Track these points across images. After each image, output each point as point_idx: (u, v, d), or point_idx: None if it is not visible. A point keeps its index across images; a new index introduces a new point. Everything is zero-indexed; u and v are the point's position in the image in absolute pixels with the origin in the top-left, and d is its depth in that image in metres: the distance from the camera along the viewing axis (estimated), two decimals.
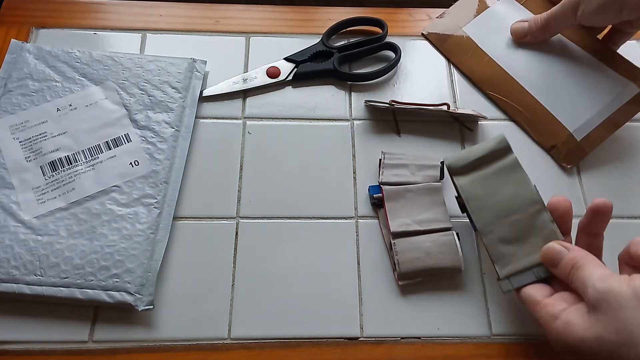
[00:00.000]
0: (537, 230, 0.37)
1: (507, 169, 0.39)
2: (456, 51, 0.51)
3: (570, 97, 0.47)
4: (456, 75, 0.51)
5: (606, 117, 0.46)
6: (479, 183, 0.39)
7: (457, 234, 0.41)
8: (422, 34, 0.53)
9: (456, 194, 0.40)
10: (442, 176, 0.43)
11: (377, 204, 0.43)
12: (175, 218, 0.42)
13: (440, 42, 0.52)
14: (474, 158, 0.40)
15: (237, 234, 0.42)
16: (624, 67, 0.48)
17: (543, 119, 0.47)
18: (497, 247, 0.38)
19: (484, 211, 0.38)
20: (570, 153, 0.46)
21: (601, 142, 0.46)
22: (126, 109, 0.46)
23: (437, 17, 0.54)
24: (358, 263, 0.42)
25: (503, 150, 0.40)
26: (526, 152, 0.47)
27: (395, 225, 0.41)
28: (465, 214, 0.40)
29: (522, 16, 0.51)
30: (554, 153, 0.46)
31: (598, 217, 0.36)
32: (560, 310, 0.33)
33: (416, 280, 0.40)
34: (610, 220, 0.44)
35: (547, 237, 0.37)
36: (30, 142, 0.44)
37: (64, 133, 0.44)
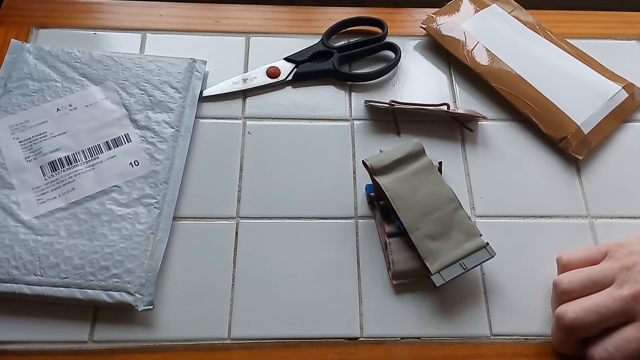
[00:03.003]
0: (458, 225, 0.40)
1: (424, 169, 0.42)
2: (456, 45, 0.51)
3: (572, 95, 0.48)
4: (456, 75, 0.51)
5: (607, 114, 0.48)
6: (400, 183, 0.41)
7: None
8: (422, 26, 0.52)
9: (378, 200, 0.42)
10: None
11: (373, 203, 0.43)
12: (175, 218, 0.42)
13: (440, 36, 0.52)
14: (393, 159, 0.42)
15: (237, 234, 0.42)
16: (607, 73, 0.50)
17: (551, 113, 0.47)
18: (425, 243, 0.39)
19: (409, 209, 0.40)
20: (579, 145, 0.46)
21: (606, 135, 0.48)
22: (126, 109, 0.46)
23: (433, 14, 0.53)
24: (358, 263, 0.42)
25: (418, 153, 0.42)
26: (527, 153, 0.47)
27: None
28: (386, 220, 0.41)
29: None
30: (565, 145, 0.46)
31: None
32: None
33: (410, 280, 0.41)
34: (611, 220, 0.44)
35: (466, 231, 0.40)
36: (30, 142, 0.44)
37: (63, 133, 0.44)
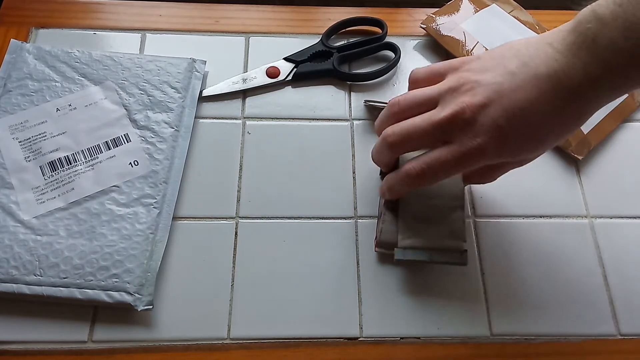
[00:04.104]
0: (449, 222, 0.40)
1: None
2: (456, 45, 0.51)
3: None
4: None
5: (606, 113, 0.48)
6: None
7: None
8: (421, 26, 0.52)
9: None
10: None
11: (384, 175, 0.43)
12: (174, 218, 0.42)
13: (439, 36, 0.52)
14: None
15: (236, 234, 0.42)
16: None
17: None
18: (407, 219, 0.40)
19: None
20: (579, 144, 0.46)
21: (606, 135, 0.48)
22: (126, 109, 0.46)
23: (433, 14, 0.53)
24: (357, 263, 0.42)
25: None
26: None
27: None
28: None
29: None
30: (564, 144, 0.46)
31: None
32: None
33: (390, 252, 0.40)
34: (610, 220, 0.44)
35: (453, 231, 0.39)
36: (30, 142, 0.44)
37: (63, 133, 0.44)
